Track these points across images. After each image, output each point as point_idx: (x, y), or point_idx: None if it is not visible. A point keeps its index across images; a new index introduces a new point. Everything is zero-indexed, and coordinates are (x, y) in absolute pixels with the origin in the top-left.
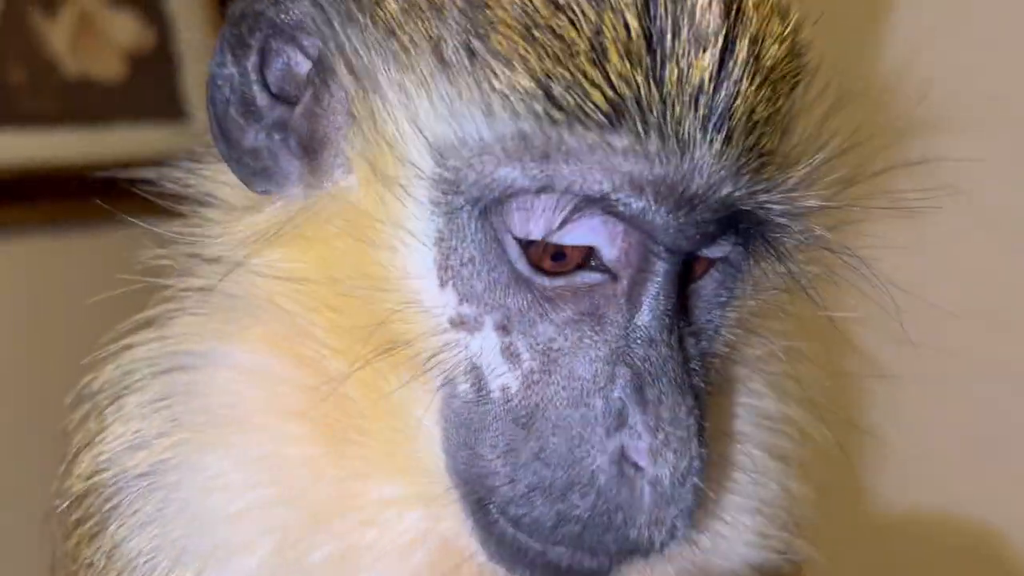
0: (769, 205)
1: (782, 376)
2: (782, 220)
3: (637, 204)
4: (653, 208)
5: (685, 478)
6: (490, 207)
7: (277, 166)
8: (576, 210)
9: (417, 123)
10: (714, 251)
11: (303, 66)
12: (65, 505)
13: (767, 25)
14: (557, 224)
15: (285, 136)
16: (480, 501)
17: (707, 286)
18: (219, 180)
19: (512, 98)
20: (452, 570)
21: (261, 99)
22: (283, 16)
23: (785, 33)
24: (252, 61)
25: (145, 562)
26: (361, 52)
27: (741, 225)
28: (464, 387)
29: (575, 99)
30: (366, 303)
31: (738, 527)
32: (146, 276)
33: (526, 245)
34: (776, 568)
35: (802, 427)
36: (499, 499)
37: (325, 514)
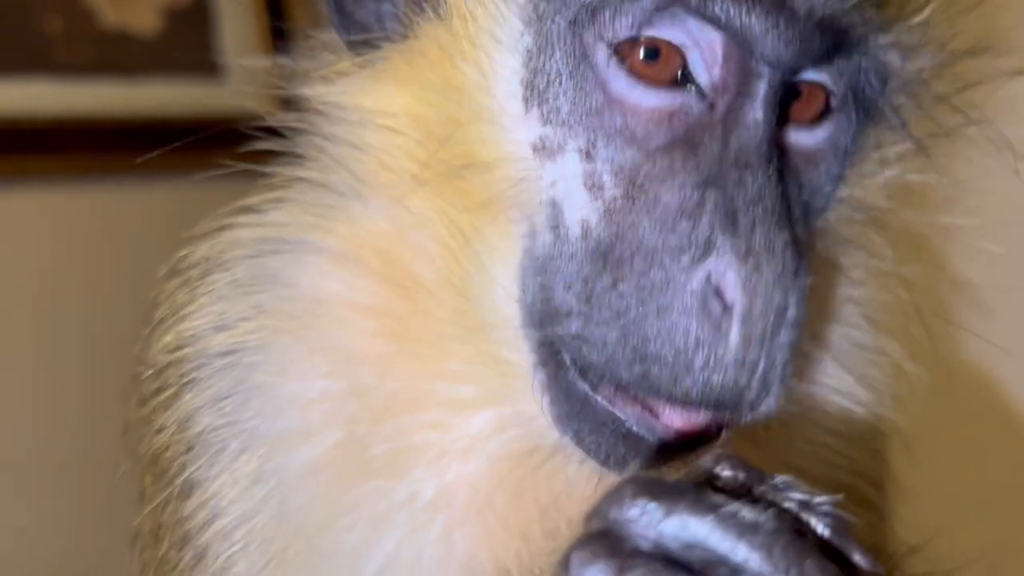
0: (878, 31)
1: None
2: (891, 55)
3: (736, 8)
4: (752, 13)
5: (779, 321)
6: (579, 16)
7: (385, 30)
8: (666, 7)
9: None
10: (823, 77)
11: None
12: (146, 373)
13: None
14: (649, 19)
15: (393, 2)
16: (552, 348)
17: (821, 146)
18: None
19: None
20: (513, 471)
21: None
22: None
23: None
24: None
25: (214, 437)
26: None
27: (846, 56)
28: (542, 227)
29: None
30: (446, 122)
31: (829, 390)
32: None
33: (617, 49)
34: (861, 465)
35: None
36: (571, 340)
37: (392, 411)
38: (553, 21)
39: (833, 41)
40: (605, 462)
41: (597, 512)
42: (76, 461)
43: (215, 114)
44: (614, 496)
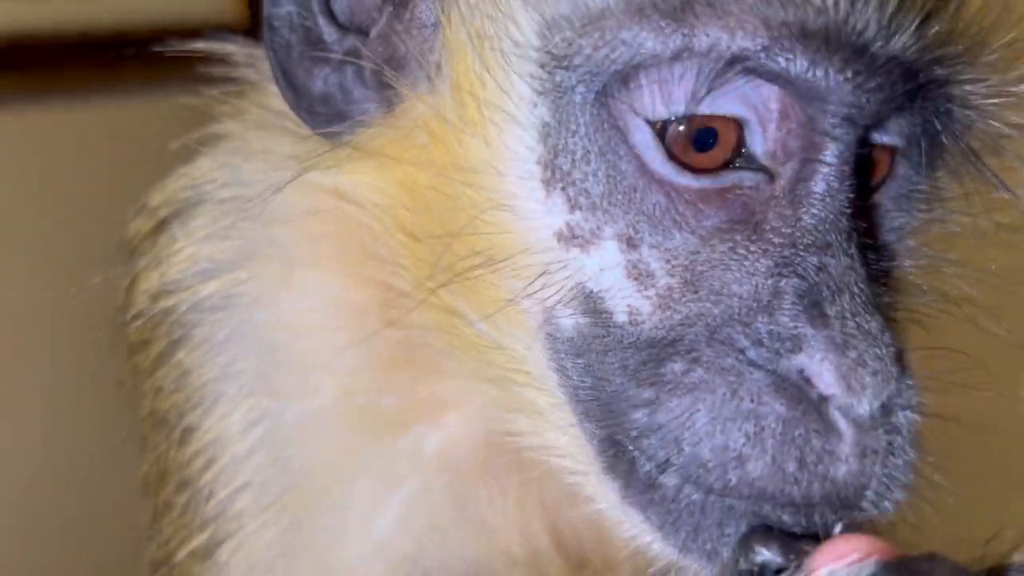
0: (957, 76)
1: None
2: (972, 96)
3: (801, 60)
4: (819, 64)
5: (894, 410)
6: (609, 85)
7: (351, 105)
8: (723, 74)
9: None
10: (892, 137)
11: None
12: (131, 321)
13: None
14: (702, 92)
15: (358, 69)
16: (613, 438)
17: (883, 203)
18: None
19: None
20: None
21: (328, 33)
22: None
23: None
24: None
25: (210, 388)
26: None
27: (924, 101)
28: (573, 317)
29: None
30: (451, 210)
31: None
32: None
33: (660, 129)
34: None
35: None
36: (637, 429)
37: (398, 360)
38: (576, 91)
39: (908, 90)
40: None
41: None
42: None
43: (176, 24)
44: None
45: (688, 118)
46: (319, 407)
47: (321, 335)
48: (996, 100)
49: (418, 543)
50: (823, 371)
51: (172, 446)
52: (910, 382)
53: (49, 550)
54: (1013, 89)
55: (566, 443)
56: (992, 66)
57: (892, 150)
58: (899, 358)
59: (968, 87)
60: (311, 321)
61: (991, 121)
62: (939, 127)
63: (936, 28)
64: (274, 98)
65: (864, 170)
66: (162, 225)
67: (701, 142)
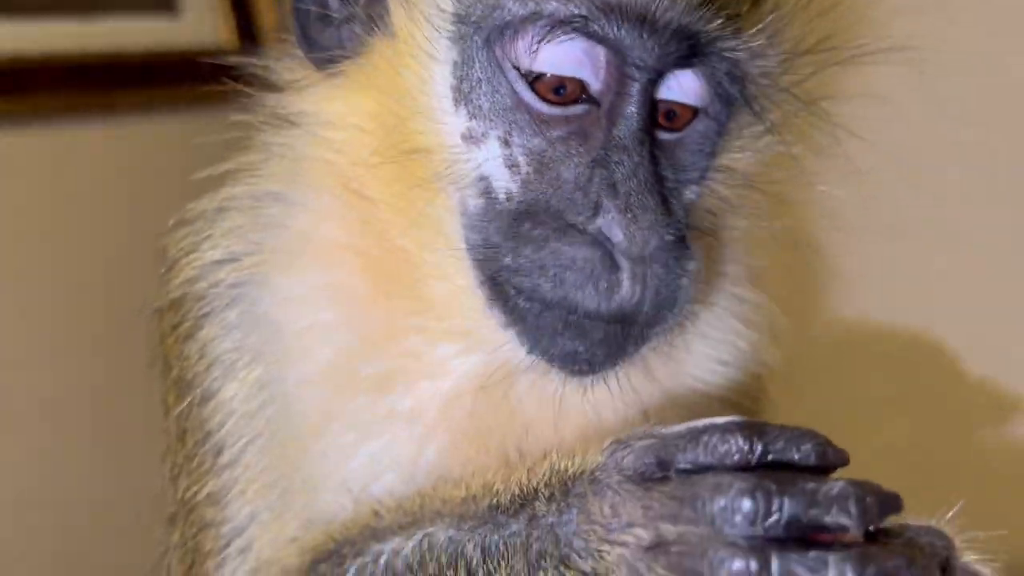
0: (728, 38)
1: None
2: (741, 57)
3: (609, 25)
4: (623, 28)
5: (659, 256)
6: (492, 35)
7: (346, 51)
8: (559, 28)
9: None
10: (686, 94)
11: None
12: (165, 306)
13: None
14: (544, 39)
15: (352, 26)
16: (495, 281)
17: (691, 136)
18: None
19: None
20: (476, 391)
21: (334, 3)
22: None
23: None
24: None
25: (226, 357)
26: None
27: (703, 58)
28: (475, 194)
29: None
30: (398, 119)
31: (714, 344)
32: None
33: (533, 80)
34: (744, 386)
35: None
36: (507, 272)
37: (375, 338)
38: (472, 40)
39: (690, 47)
40: (564, 363)
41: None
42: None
43: (171, 50)
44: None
45: (545, 75)
46: (313, 372)
47: (316, 314)
48: (760, 61)
49: (381, 483)
50: (612, 225)
51: (193, 407)
52: (688, 253)
53: (43, 557)
54: (771, 50)
55: (463, 286)
56: (755, 33)
57: (694, 108)
58: (669, 224)
59: (734, 49)
60: (308, 302)
61: (759, 79)
62: (720, 81)
63: (707, 3)
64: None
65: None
66: (195, 231)
67: (556, 91)
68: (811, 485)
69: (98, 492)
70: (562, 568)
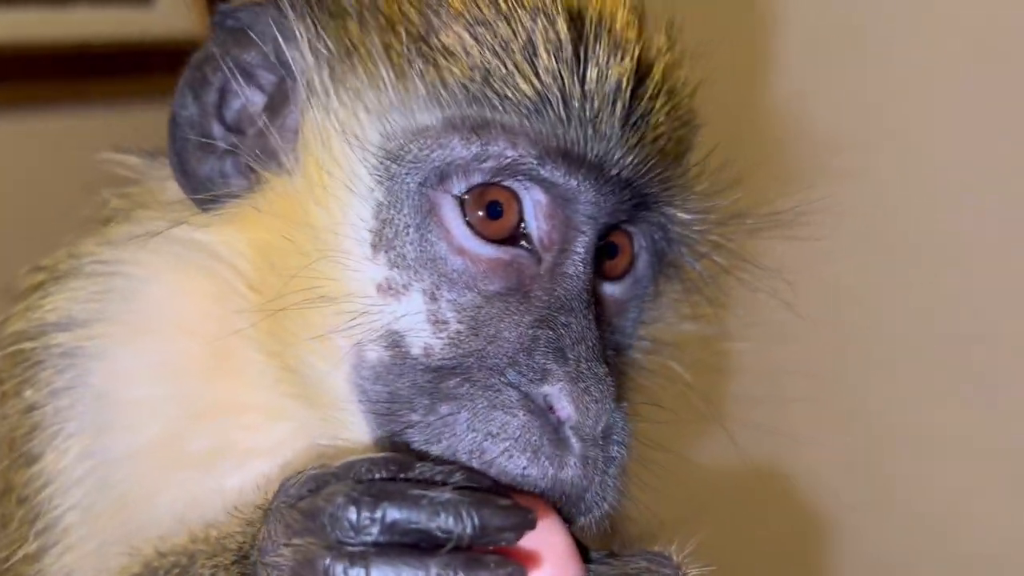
0: (670, 195)
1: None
2: (679, 214)
3: (557, 170)
4: (571, 175)
5: (609, 434)
6: (429, 177)
7: (227, 187)
8: (505, 172)
9: (368, 110)
10: (629, 238)
11: (258, 103)
12: None
13: (674, 57)
14: (489, 177)
15: (236, 160)
16: (391, 438)
17: (625, 293)
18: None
19: (454, 85)
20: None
21: (217, 131)
22: (246, 56)
23: (688, 68)
24: (212, 99)
25: (51, 421)
26: (324, 73)
27: (646, 212)
28: (379, 347)
29: (510, 87)
30: (293, 257)
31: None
32: (108, 176)
33: (462, 201)
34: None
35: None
36: (415, 429)
37: (209, 415)
38: (404, 181)
39: (638, 201)
40: None
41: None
42: None
43: (144, 39)
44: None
45: (479, 188)
46: (140, 445)
47: (148, 388)
48: (699, 220)
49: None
50: (561, 396)
51: (15, 467)
52: (625, 418)
53: None
54: (713, 214)
55: (352, 441)
56: (700, 193)
57: (630, 245)
58: (618, 399)
59: (677, 207)
60: (141, 376)
61: (695, 238)
62: (659, 238)
63: (655, 159)
64: (160, 191)
65: (604, 262)
66: (42, 283)
67: (492, 211)
68: (417, 492)
69: None
70: None
